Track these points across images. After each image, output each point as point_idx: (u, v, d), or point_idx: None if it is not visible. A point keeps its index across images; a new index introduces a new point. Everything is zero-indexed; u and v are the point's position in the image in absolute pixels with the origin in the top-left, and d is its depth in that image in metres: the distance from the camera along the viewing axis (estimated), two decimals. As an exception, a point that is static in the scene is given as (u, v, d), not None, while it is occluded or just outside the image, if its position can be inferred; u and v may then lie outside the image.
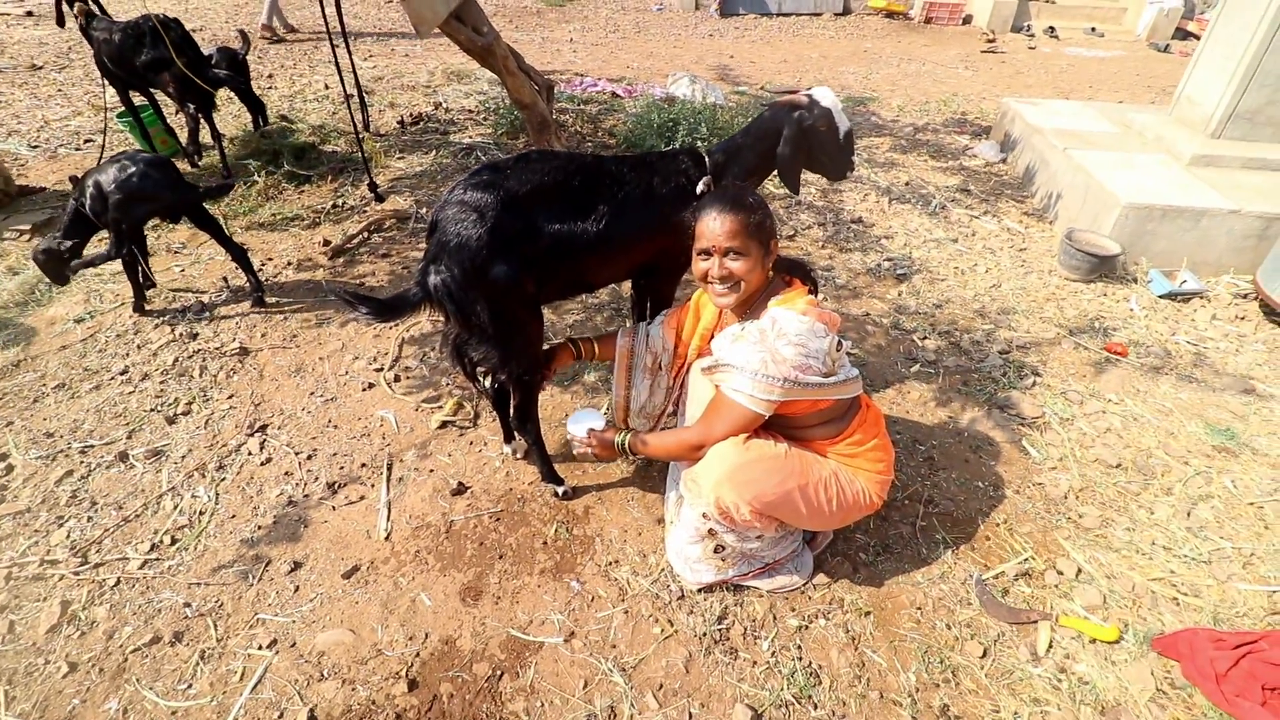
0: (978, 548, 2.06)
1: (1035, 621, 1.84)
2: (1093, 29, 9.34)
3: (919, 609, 1.88)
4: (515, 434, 2.30)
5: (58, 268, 2.90)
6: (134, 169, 2.74)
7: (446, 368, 2.76)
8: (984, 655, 1.76)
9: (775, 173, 2.15)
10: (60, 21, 4.04)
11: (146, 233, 3.20)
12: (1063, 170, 3.97)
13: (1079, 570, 1.98)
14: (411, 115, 5.33)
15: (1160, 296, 3.27)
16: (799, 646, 1.78)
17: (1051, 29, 9.20)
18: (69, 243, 2.86)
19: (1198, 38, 8.68)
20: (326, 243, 3.59)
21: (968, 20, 9.76)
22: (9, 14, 9.25)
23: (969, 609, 1.88)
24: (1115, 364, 2.82)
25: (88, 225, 2.88)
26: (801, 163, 2.09)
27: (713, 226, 1.61)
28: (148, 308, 3.10)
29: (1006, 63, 7.82)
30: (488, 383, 2.15)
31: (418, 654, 1.76)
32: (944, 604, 1.89)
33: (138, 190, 2.73)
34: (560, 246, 1.81)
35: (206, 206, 3.01)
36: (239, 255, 3.03)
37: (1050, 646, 1.78)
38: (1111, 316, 3.14)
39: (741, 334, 1.61)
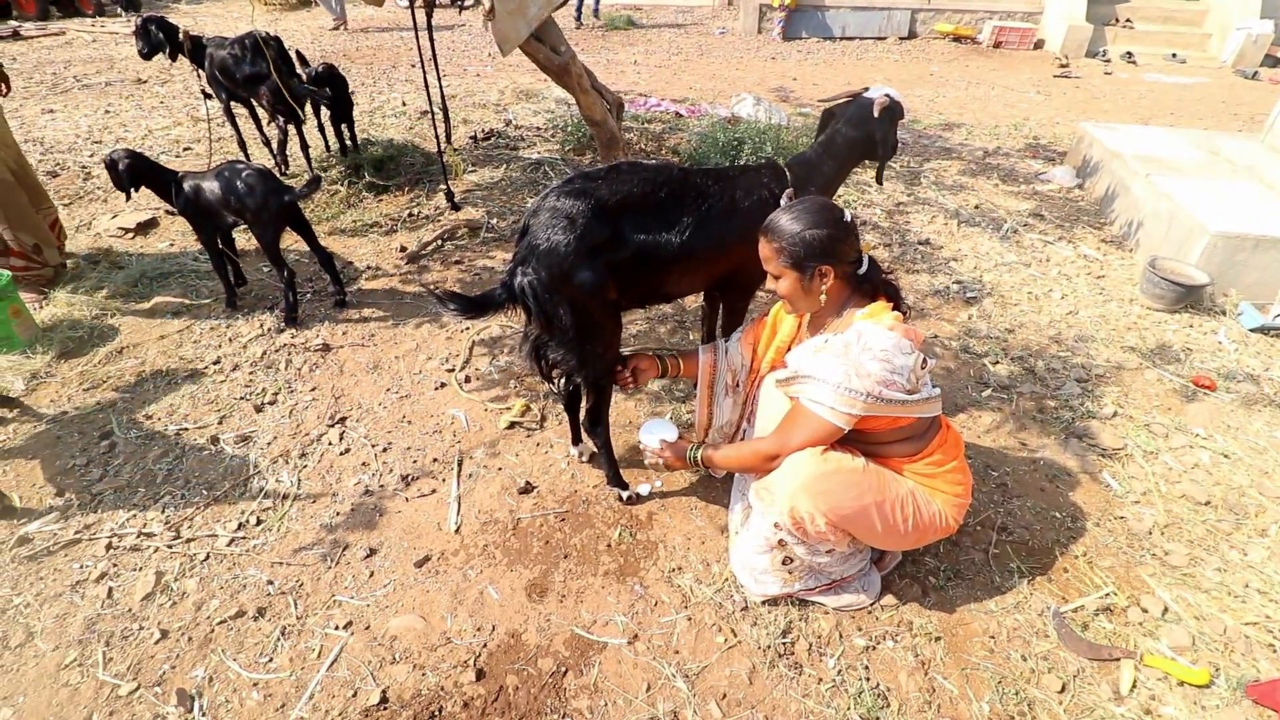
0: (1055, 579, 1.98)
1: (1118, 659, 1.76)
2: (1173, 55, 9.01)
3: (992, 638, 1.82)
4: (582, 437, 2.35)
5: (126, 180, 3.00)
6: (240, 183, 2.91)
7: (515, 371, 2.84)
8: (1062, 690, 1.70)
9: (842, 180, 2.26)
10: (147, 56, 4.36)
11: (236, 235, 3.40)
12: (1145, 197, 3.83)
13: (1165, 609, 1.89)
14: (483, 131, 5.54)
15: (1251, 330, 3.11)
16: (866, 667, 1.75)
17: (1129, 54, 8.92)
18: (129, 161, 2.97)
19: (1290, 65, 8.28)
20: (403, 249, 3.76)
21: (1039, 45, 9.55)
22: (117, 33, 10.06)
23: (1046, 641, 1.81)
24: (1203, 397, 2.69)
25: (156, 185, 3.04)
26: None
27: (760, 245, 1.69)
28: (239, 304, 3.29)
29: (1081, 88, 7.61)
30: (561, 385, 2.20)
31: (485, 645, 1.80)
32: (1019, 634, 1.83)
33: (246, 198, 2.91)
34: (644, 255, 1.86)
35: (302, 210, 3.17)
36: (325, 259, 3.19)
37: (1134, 686, 1.70)
38: (1198, 349, 3.00)
39: (825, 346, 1.61)
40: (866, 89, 2.21)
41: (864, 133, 2.15)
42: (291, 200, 2.95)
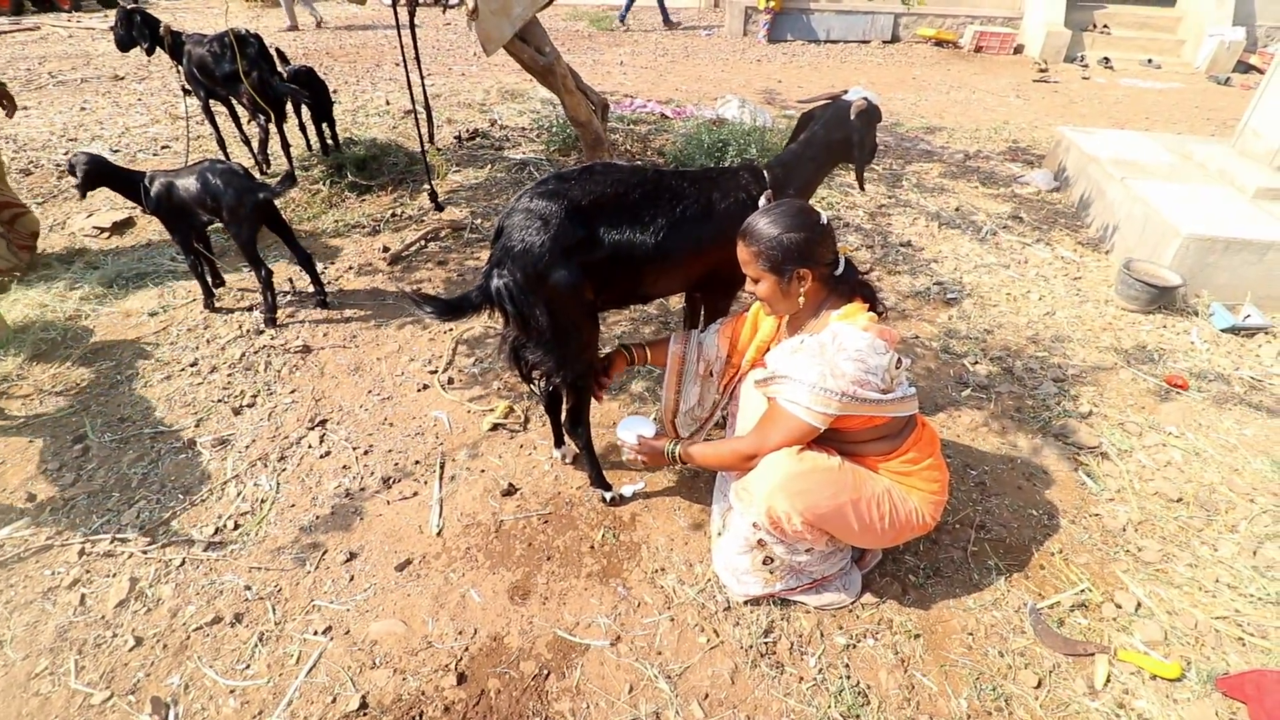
0: (1031, 576, 2.01)
1: (1092, 654, 1.79)
2: (1149, 60, 9.18)
3: (970, 635, 1.84)
4: (565, 439, 2.34)
5: (84, 182, 2.92)
6: (214, 179, 2.88)
7: (498, 372, 2.83)
8: (1038, 686, 1.72)
9: (819, 182, 2.32)
10: (124, 47, 4.30)
11: (211, 234, 3.35)
12: (1120, 200, 3.90)
13: (1139, 604, 1.92)
14: (468, 131, 5.52)
15: (1223, 330, 3.17)
16: (847, 665, 1.76)
17: (1106, 60, 9.08)
18: (88, 166, 2.90)
19: (1260, 71, 8.47)
20: (386, 249, 3.73)
21: (1019, 50, 9.68)
22: (94, 28, 9.89)
23: (1022, 637, 1.84)
24: (1176, 396, 2.75)
25: (121, 186, 2.99)
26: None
27: (738, 249, 1.70)
28: (217, 305, 3.25)
29: (1059, 92, 7.73)
30: (541, 386, 2.19)
31: (466, 648, 1.80)
32: (996, 631, 1.85)
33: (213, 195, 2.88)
34: (619, 256, 1.86)
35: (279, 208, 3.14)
36: (304, 259, 3.16)
37: (1108, 680, 1.73)
38: (1171, 349, 3.06)
39: (801, 347, 1.62)
40: (845, 91, 2.23)
41: (841, 135, 2.17)
42: (266, 198, 2.91)
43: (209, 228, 3.17)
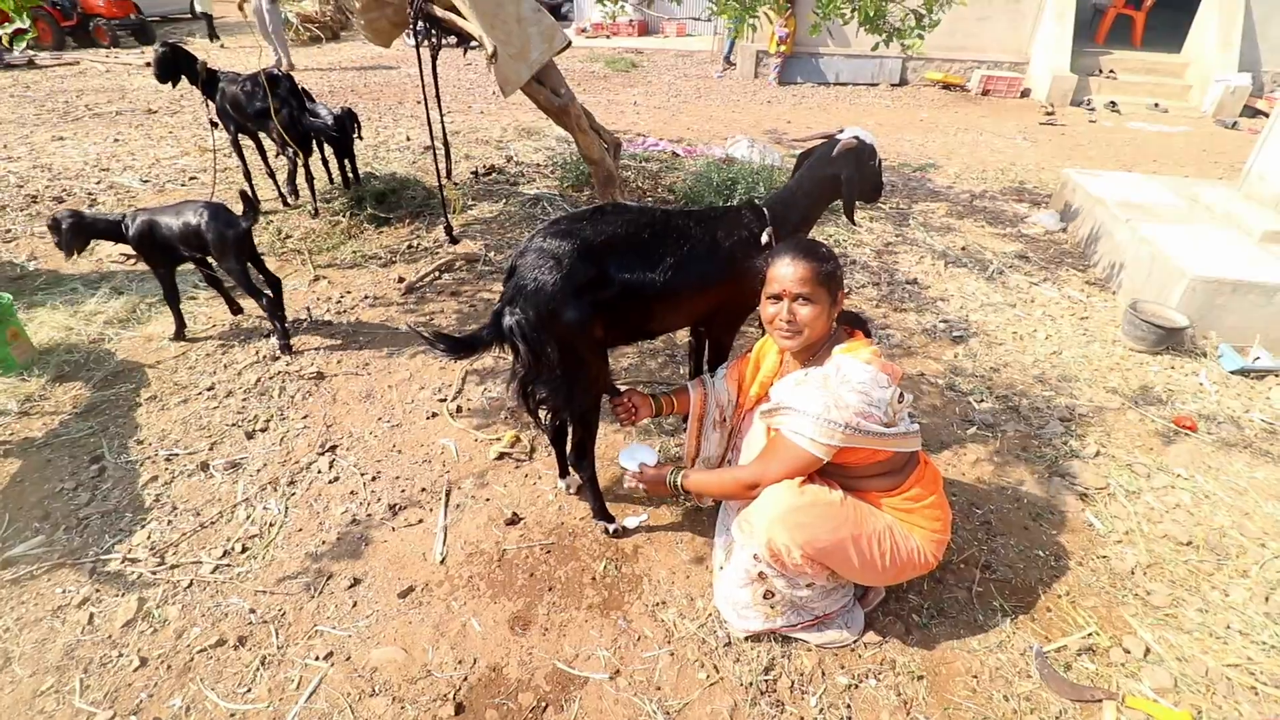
0: (1038, 618, 1.99)
1: (1100, 700, 1.75)
2: (1156, 104, 9.29)
3: (975, 677, 1.82)
4: (570, 470, 2.37)
5: (70, 240, 2.95)
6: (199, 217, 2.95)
7: (506, 402, 2.87)
8: (1044, 731, 1.69)
9: (816, 218, 2.38)
10: (163, 79, 4.44)
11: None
12: (1126, 242, 3.93)
13: (1147, 650, 1.89)
14: (485, 167, 5.68)
15: (1232, 372, 3.16)
16: (848, 705, 1.74)
17: (1113, 103, 9.20)
18: (76, 220, 2.95)
19: (1266, 115, 8.53)
20: (401, 280, 3.82)
21: (1026, 94, 9.84)
22: (131, 63, 10.33)
23: (1028, 681, 1.81)
24: (1184, 438, 2.73)
25: (105, 233, 3.05)
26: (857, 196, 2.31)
27: (785, 272, 1.69)
28: (235, 330, 3.33)
29: (1066, 135, 7.83)
30: (546, 419, 2.22)
31: (465, 678, 1.79)
32: (1001, 674, 1.83)
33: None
34: (630, 294, 1.91)
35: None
36: (272, 285, 3.18)
37: (1116, 728, 1.70)
38: (1180, 390, 3.05)
39: (805, 379, 1.65)
40: (840, 131, 2.28)
41: (832, 172, 2.23)
42: (245, 230, 2.97)
43: (188, 261, 3.16)
